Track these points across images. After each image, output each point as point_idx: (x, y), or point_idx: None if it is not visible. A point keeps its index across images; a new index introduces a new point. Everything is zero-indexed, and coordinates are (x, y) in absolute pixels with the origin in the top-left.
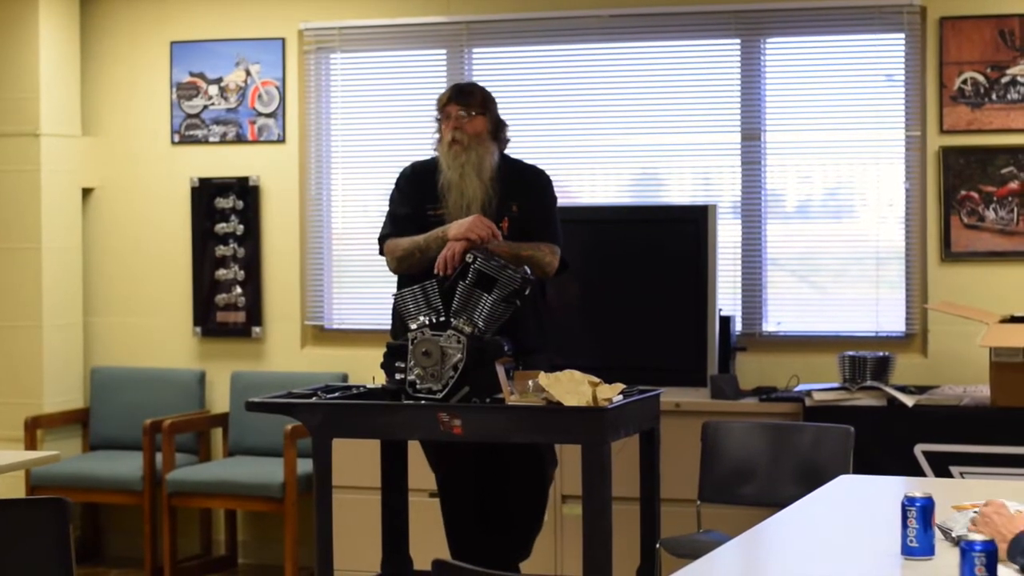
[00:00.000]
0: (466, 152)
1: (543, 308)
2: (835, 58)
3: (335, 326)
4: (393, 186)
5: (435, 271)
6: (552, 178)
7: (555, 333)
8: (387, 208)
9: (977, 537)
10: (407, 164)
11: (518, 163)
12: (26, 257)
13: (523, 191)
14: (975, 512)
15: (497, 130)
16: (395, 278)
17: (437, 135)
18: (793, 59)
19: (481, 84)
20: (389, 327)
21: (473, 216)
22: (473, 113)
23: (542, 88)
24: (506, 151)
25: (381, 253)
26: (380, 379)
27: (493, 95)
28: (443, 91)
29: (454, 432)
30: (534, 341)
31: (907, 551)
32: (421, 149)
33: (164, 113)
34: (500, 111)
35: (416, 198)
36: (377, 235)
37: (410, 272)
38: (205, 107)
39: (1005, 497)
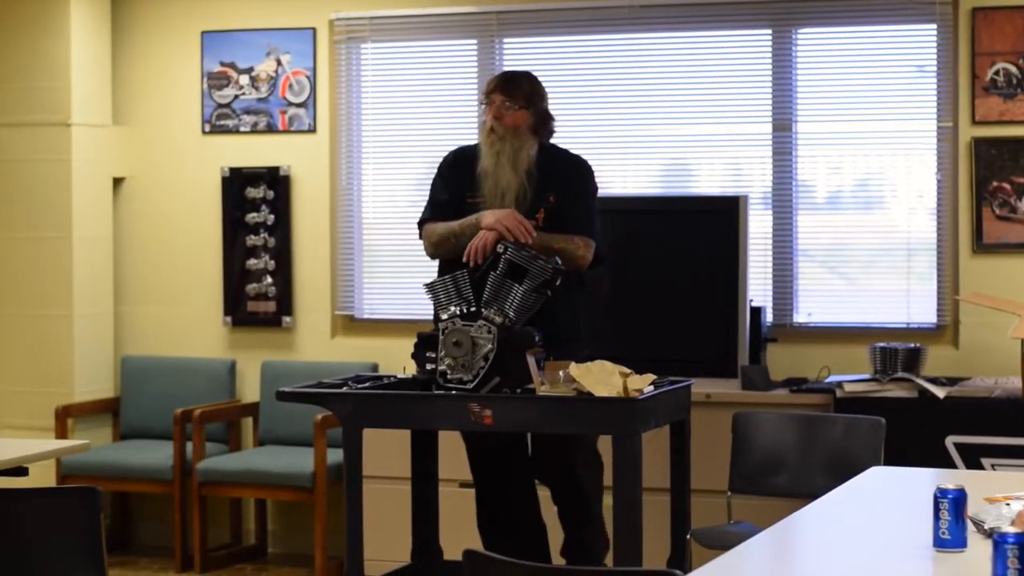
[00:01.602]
0: (501, 142)
1: (580, 299)
2: (867, 49)
3: (365, 316)
4: (435, 171)
5: (464, 259)
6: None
7: (592, 325)
8: (427, 193)
9: (1010, 529)
10: (447, 150)
11: (560, 152)
12: (57, 246)
13: (561, 182)
14: (1007, 504)
15: (540, 124)
16: (426, 268)
17: (481, 119)
18: (824, 49)
19: (531, 73)
20: (418, 317)
21: (509, 209)
22: (516, 106)
23: (573, 78)
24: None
25: (421, 237)
26: (411, 369)
27: (541, 86)
28: (492, 76)
29: (485, 422)
30: (569, 332)
31: (939, 543)
32: (451, 138)
33: (195, 103)
34: None
35: (456, 184)
36: (413, 221)
37: (445, 258)
38: (236, 97)
39: None
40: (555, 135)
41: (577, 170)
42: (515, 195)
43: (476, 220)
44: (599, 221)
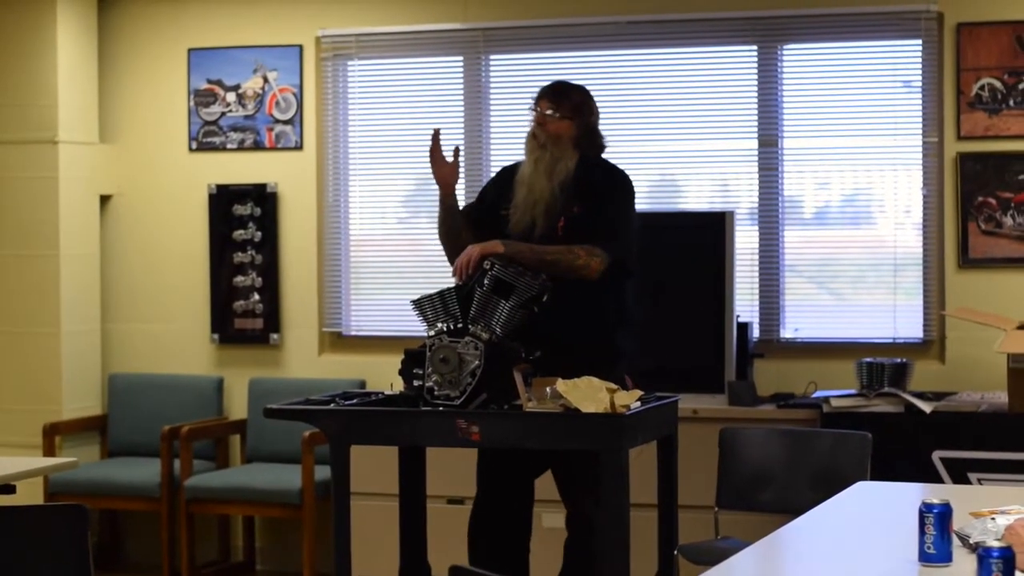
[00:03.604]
0: (542, 149)
1: (616, 318)
2: (852, 64)
3: (353, 333)
4: None
5: (452, 274)
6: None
7: (631, 339)
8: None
9: (995, 544)
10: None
11: (599, 164)
12: (44, 264)
13: (589, 193)
14: (992, 519)
15: (584, 139)
16: (413, 284)
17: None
18: (810, 65)
19: (584, 87)
20: (405, 333)
21: (494, 241)
22: (558, 115)
23: None
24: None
25: None
26: (398, 386)
27: (592, 101)
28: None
29: (472, 439)
30: (602, 355)
31: (925, 558)
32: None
33: (182, 120)
34: (515, 118)
35: (492, 196)
36: (401, 238)
37: (455, 253)
38: (223, 114)
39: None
40: None
41: (608, 180)
42: (545, 205)
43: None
44: (630, 233)
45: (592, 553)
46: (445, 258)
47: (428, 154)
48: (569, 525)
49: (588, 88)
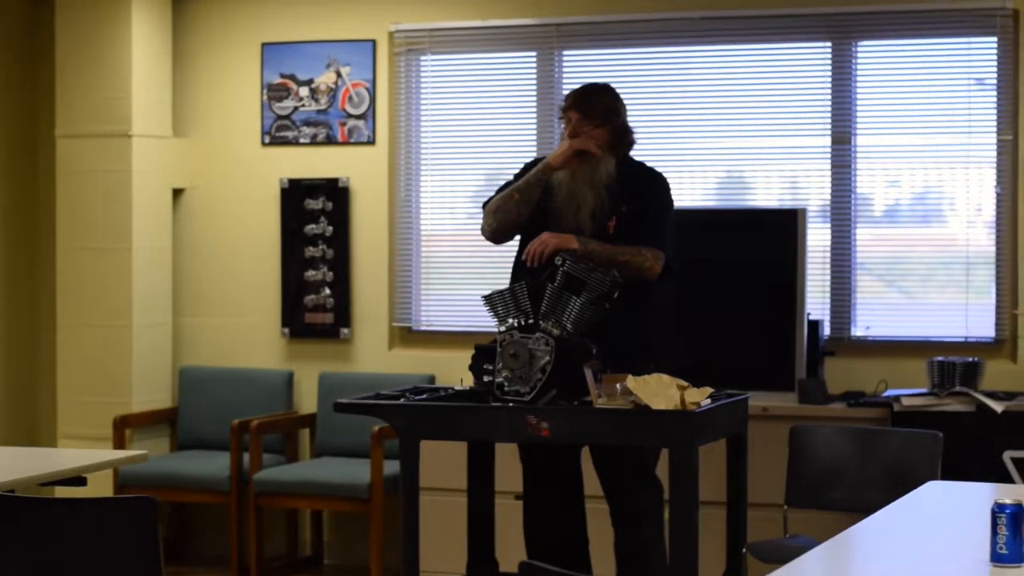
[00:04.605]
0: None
1: (647, 314)
2: (926, 61)
3: (423, 328)
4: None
5: (523, 258)
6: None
7: (664, 339)
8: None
9: None
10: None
11: (637, 165)
12: (117, 257)
13: (635, 194)
14: None
15: (617, 140)
16: (484, 279)
17: (561, 131)
18: (884, 62)
19: (609, 86)
20: (476, 329)
21: (569, 235)
22: (593, 124)
23: (632, 91)
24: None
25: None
26: (468, 381)
27: (619, 101)
28: (569, 91)
29: (542, 434)
30: (633, 346)
31: (996, 558)
32: (511, 151)
33: (255, 114)
34: None
35: None
36: (472, 233)
37: (504, 226)
38: (296, 108)
39: None
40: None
41: (652, 183)
42: (591, 209)
43: (542, 166)
44: (673, 235)
45: (642, 542)
46: (514, 254)
47: (581, 140)
48: (616, 523)
49: (645, 83)
